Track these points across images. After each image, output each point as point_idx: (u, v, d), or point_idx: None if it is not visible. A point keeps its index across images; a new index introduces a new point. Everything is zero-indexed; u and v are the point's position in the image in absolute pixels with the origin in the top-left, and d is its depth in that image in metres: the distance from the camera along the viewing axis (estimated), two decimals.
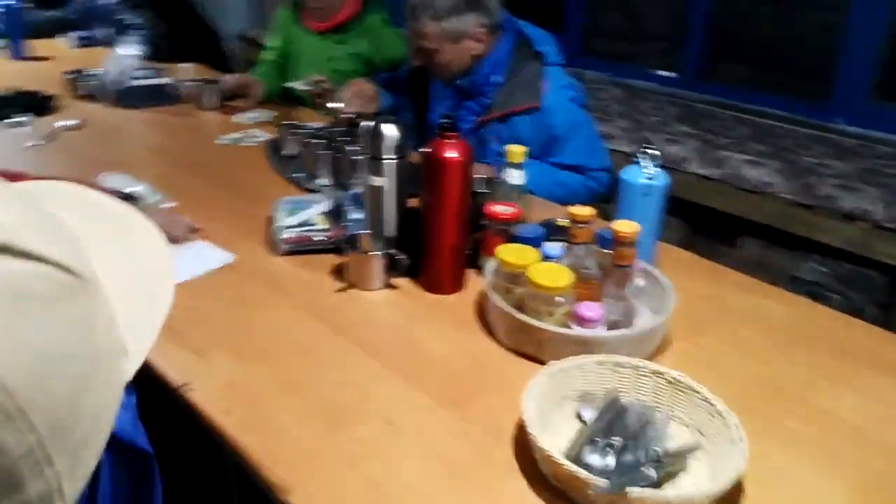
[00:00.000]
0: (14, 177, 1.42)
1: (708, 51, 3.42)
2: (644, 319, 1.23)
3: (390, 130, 1.34)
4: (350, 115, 1.89)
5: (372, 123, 1.35)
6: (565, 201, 1.80)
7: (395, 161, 1.36)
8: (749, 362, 1.19)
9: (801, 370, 1.18)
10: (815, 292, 2.60)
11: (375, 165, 1.36)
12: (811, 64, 3.10)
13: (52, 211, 0.49)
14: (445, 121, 1.27)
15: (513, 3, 4.09)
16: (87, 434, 0.43)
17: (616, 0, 3.92)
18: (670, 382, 1.03)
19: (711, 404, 0.99)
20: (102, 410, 0.45)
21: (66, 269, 0.42)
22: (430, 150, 1.27)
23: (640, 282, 1.26)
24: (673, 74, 3.64)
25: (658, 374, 1.05)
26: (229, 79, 2.43)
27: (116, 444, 0.55)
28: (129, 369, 0.49)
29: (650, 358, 1.16)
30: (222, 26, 4.69)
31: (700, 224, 3.03)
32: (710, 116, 3.28)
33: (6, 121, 2.09)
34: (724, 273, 1.48)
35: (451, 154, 1.27)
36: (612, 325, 1.18)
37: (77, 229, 0.50)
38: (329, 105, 1.95)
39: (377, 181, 1.36)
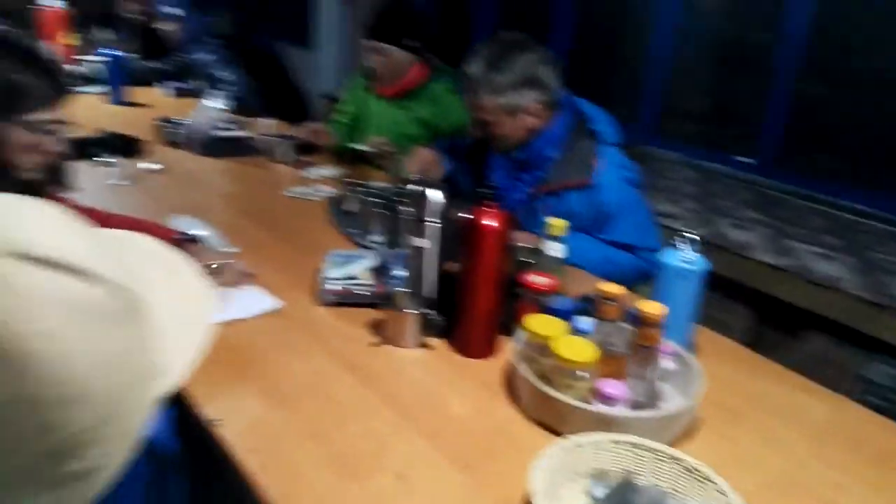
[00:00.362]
0: (105, 218, 1.56)
1: (787, 138, 3.40)
2: (670, 403, 1.23)
3: (435, 195, 1.40)
4: (413, 181, 1.98)
5: (420, 187, 1.41)
6: (614, 278, 1.80)
7: (438, 224, 1.41)
8: (778, 458, 1.16)
9: (832, 472, 1.14)
10: (881, 394, 2.49)
11: (419, 227, 1.41)
12: (893, 158, 3.03)
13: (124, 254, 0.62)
14: (486, 190, 1.32)
15: (593, 82, 4.15)
16: (127, 429, 0.55)
17: (699, 82, 3.94)
18: (688, 470, 1.02)
19: (728, 497, 0.97)
20: (140, 412, 0.57)
21: (124, 295, 0.54)
22: (469, 216, 1.32)
23: (669, 365, 1.26)
24: (750, 160, 3.63)
25: (676, 459, 1.03)
26: (304, 127, 2.57)
27: (150, 447, 0.66)
28: (165, 387, 0.60)
29: (674, 443, 1.15)
30: (312, 85, 4.95)
31: (766, 314, 2.96)
32: (783, 205, 3.23)
33: (96, 160, 2.26)
34: (766, 364, 1.45)
35: (490, 222, 1.31)
36: (635, 406, 1.18)
37: (140, 271, 0.63)
38: (395, 172, 2.05)
39: (419, 242, 1.41)
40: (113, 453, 0.54)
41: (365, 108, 2.68)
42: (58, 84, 1.38)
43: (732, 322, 3.00)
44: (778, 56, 3.31)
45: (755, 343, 2.98)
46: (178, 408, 0.87)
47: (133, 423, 0.56)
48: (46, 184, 1.47)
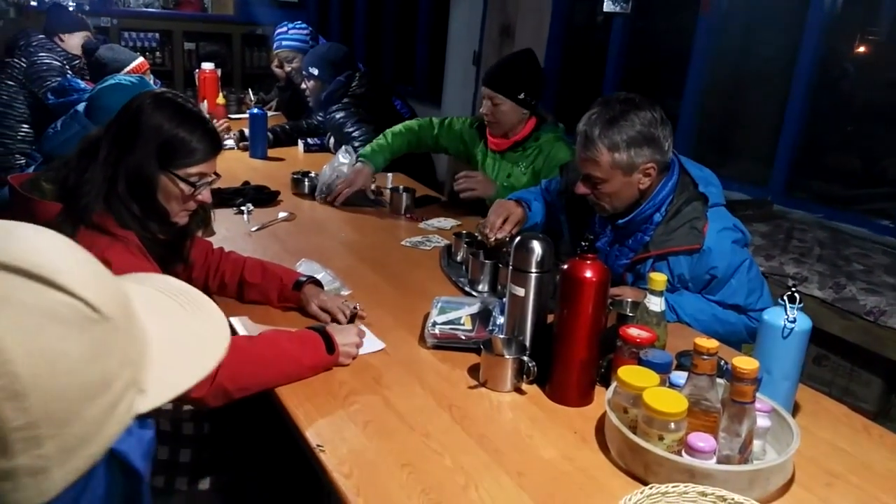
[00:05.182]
0: (241, 261, 1.74)
1: None
2: (763, 460, 1.21)
3: (536, 246, 1.46)
4: (499, 238, 2.05)
5: (519, 238, 1.47)
6: (724, 337, 1.78)
7: (537, 274, 1.46)
8: None
9: None
10: None
11: (519, 276, 1.47)
12: None
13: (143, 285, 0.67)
14: (585, 242, 1.37)
15: (723, 139, 4.09)
16: (83, 436, 0.55)
17: (835, 139, 3.81)
18: None
19: None
20: (103, 424, 0.57)
21: (92, 307, 0.56)
22: (567, 267, 1.37)
23: (766, 422, 1.24)
24: (888, 222, 3.45)
25: None
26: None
27: (119, 463, 0.66)
28: (142, 406, 0.61)
29: (766, 500, 1.14)
30: None
31: None
32: None
33: (234, 208, 2.48)
34: (872, 428, 1.39)
35: (587, 274, 1.35)
36: (725, 460, 1.17)
37: (159, 301, 0.68)
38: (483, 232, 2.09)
39: (518, 291, 1.47)
40: (56, 458, 0.53)
41: (479, 161, 2.78)
42: (212, 141, 1.53)
43: (860, 390, 2.83)
44: None
45: (884, 413, 2.79)
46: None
47: (95, 432, 0.56)
48: (193, 228, 1.64)
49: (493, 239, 2.06)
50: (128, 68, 3.29)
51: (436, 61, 5.71)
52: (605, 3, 4.36)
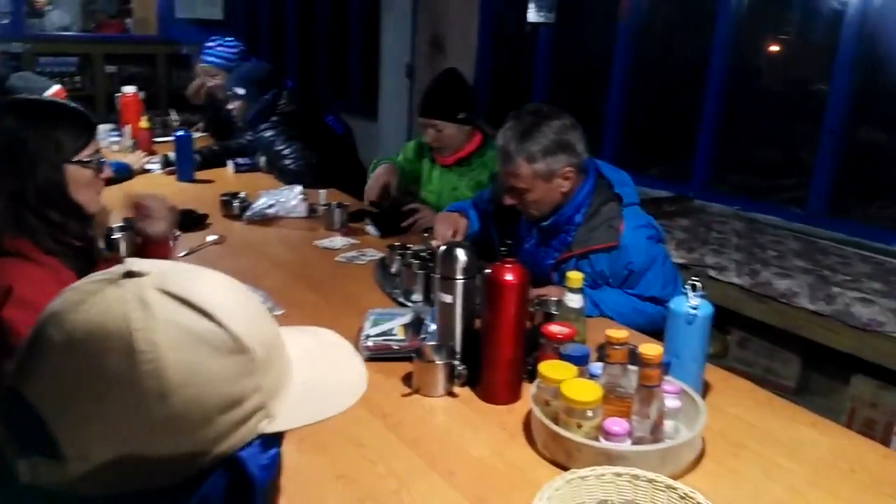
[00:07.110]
0: None
1: (836, 187, 3.42)
2: (674, 438, 1.30)
3: (461, 254, 1.53)
4: (440, 244, 2.13)
5: (445, 247, 1.55)
6: (644, 328, 1.89)
7: (463, 281, 1.54)
8: (776, 487, 1.23)
9: (829, 499, 1.20)
10: None
11: (446, 284, 1.54)
12: None
13: (291, 332, 0.81)
14: (505, 247, 1.45)
15: (646, 141, 4.22)
16: (212, 440, 0.67)
17: (750, 135, 4.00)
18: (682, 497, 1.10)
19: None
20: (230, 434, 0.69)
21: (235, 339, 0.69)
22: (489, 272, 1.45)
23: (675, 403, 1.34)
24: (799, 210, 3.65)
25: (671, 488, 1.11)
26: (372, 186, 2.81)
27: (238, 467, 0.73)
28: (267, 428, 0.73)
29: (679, 474, 1.23)
30: (376, 154, 5.18)
31: (812, 360, 2.95)
32: (830, 253, 3.24)
33: None
34: (775, 401, 1.51)
35: (509, 277, 1.43)
36: (639, 441, 1.26)
37: (313, 351, 0.83)
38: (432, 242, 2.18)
39: (447, 298, 1.54)
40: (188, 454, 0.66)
41: (423, 173, 2.87)
42: (86, 119, 1.60)
43: (781, 368, 3.00)
44: (829, 104, 3.36)
45: (804, 388, 2.97)
46: None
47: (215, 436, 0.67)
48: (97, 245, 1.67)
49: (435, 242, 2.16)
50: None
51: (370, 75, 5.74)
52: (529, 13, 4.47)
